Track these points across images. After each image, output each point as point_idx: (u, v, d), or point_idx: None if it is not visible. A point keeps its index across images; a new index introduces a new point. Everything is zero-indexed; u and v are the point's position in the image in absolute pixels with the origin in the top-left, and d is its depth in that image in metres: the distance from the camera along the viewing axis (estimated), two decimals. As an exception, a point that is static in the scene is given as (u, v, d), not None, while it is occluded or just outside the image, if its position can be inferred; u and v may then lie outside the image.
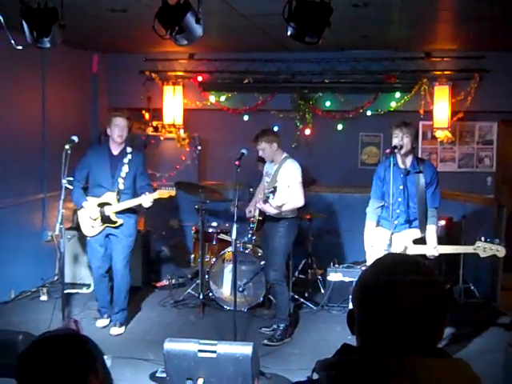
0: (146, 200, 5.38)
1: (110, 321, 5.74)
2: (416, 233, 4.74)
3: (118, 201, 5.47)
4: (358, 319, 1.46)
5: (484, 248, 4.47)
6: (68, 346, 1.58)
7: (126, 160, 5.50)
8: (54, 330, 1.76)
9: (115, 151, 5.54)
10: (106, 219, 5.50)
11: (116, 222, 5.51)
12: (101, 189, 5.48)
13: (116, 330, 5.61)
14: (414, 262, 1.49)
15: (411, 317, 1.37)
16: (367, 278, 1.48)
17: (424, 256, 4.62)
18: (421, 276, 1.43)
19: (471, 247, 4.54)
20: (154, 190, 5.58)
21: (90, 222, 5.53)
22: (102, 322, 5.76)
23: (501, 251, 4.48)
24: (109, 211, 5.47)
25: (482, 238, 4.51)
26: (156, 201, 5.48)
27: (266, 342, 5.40)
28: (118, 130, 5.43)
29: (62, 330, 1.74)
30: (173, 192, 5.55)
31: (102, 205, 5.48)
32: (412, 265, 1.47)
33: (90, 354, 1.59)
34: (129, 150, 5.56)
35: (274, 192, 5.13)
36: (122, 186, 5.48)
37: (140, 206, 5.55)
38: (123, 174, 5.49)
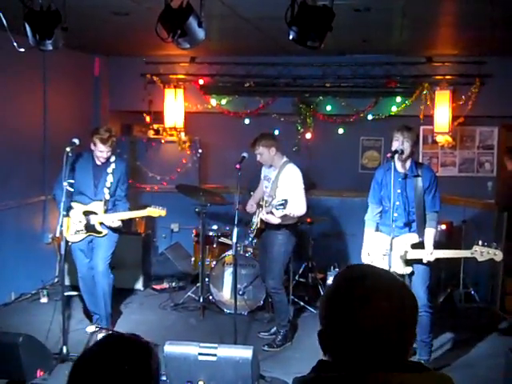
0: (134, 216, 5.41)
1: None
2: (414, 237, 4.73)
3: (105, 211, 5.41)
4: (325, 335, 1.43)
5: (481, 252, 4.47)
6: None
7: (109, 170, 5.41)
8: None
9: (99, 161, 5.43)
10: (90, 228, 5.43)
11: (101, 233, 5.44)
12: (82, 196, 5.40)
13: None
14: (382, 275, 1.45)
15: (380, 331, 1.33)
16: (332, 292, 1.43)
17: (421, 260, 4.63)
18: (390, 290, 1.38)
19: (469, 251, 4.54)
20: (145, 207, 5.51)
21: (74, 228, 5.42)
22: (93, 328, 5.62)
23: (498, 255, 4.47)
24: (94, 220, 5.40)
25: (480, 242, 4.50)
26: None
27: (266, 348, 5.39)
28: (100, 154, 5.32)
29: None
30: (163, 212, 5.43)
31: (87, 213, 5.41)
32: (378, 277, 1.42)
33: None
34: (113, 158, 5.44)
35: (284, 205, 4.90)
36: (108, 197, 5.42)
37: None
38: (108, 184, 5.41)
